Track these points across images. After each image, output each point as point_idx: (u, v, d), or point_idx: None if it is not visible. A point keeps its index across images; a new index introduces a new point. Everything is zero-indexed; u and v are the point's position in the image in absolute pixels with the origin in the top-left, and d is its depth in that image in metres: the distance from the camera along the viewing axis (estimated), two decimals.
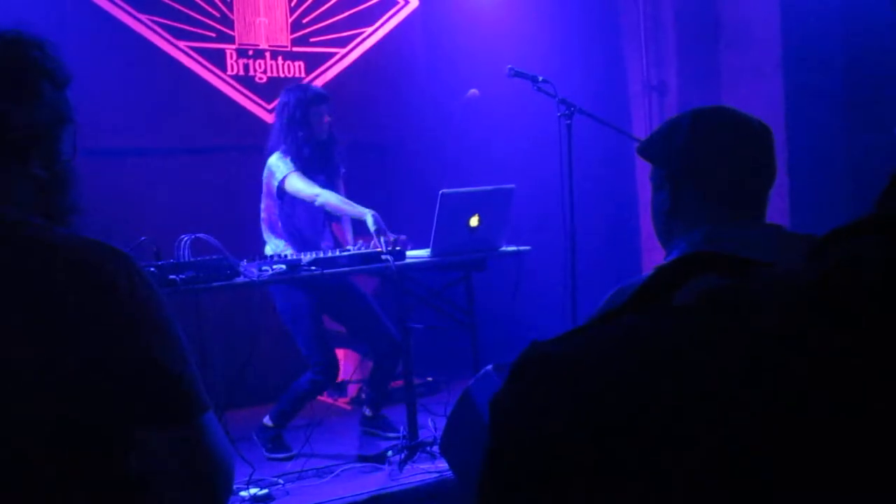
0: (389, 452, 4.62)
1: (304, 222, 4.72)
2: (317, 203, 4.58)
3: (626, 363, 0.45)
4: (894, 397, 0.40)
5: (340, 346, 5.89)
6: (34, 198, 1.38)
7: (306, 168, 4.65)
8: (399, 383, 5.42)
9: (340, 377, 5.90)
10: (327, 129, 4.73)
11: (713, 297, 0.46)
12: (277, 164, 4.66)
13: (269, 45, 6.20)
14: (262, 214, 4.81)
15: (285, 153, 4.65)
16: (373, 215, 4.50)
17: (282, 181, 4.62)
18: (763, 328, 0.43)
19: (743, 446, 0.41)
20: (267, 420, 4.82)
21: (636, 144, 1.98)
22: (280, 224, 4.74)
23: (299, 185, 4.59)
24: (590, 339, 0.49)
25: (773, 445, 0.41)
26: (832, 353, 0.41)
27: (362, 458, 4.62)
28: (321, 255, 4.31)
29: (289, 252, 4.64)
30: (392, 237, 4.48)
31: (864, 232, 0.47)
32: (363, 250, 4.45)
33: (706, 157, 1.79)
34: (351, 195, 6.14)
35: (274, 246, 4.78)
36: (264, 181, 4.73)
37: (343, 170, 4.96)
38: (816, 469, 0.40)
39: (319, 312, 4.74)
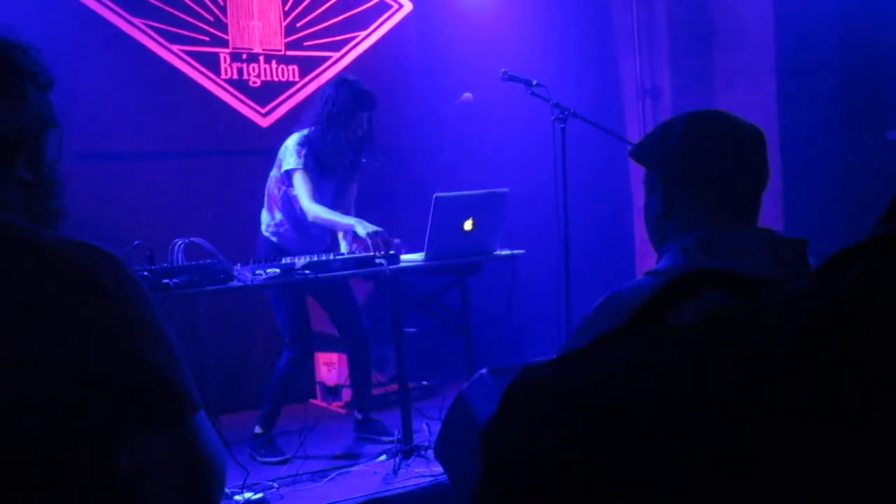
0: (384, 456, 4.62)
1: (301, 210, 4.70)
2: (309, 219, 4.58)
3: (625, 383, 0.45)
4: (893, 405, 0.40)
5: (333, 350, 5.89)
6: (20, 201, 1.37)
7: (323, 165, 4.65)
8: (394, 387, 5.41)
9: (335, 381, 5.91)
10: (363, 133, 4.70)
11: (718, 316, 0.46)
12: (291, 152, 4.65)
13: (263, 49, 6.19)
14: (269, 183, 4.83)
15: (304, 142, 4.64)
16: (360, 223, 4.50)
17: (290, 171, 4.64)
18: (772, 345, 0.43)
19: (742, 458, 0.41)
20: (257, 429, 4.80)
21: (629, 148, 1.97)
22: (280, 201, 4.75)
23: (300, 188, 4.60)
24: (585, 363, 0.48)
25: (772, 455, 0.40)
26: (838, 366, 0.41)
27: (357, 462, 4.62)
28: (314, 258, 4.31)
29: (284, 228, 4.73)
30: (387, 238, 4.48)
31: (874, 251, 0.46)
32: (357, 254, 4.45)
33: (700, 159, 1.79)
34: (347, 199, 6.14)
35: (269, 217, 4.80)
36: (279, 154, 4.77)
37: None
38: (814, 477, 0.40)
39: (302, 292, 4.74)
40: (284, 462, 4.66)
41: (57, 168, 1.46)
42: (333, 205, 4.68)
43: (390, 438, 4.76)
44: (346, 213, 4.79)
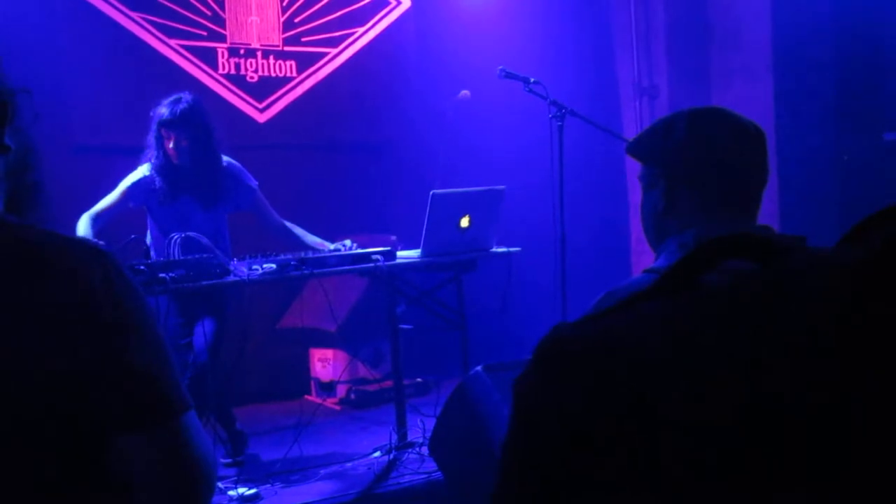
0: (378, 453, 4.63)
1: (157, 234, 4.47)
2: None
3: (656, 345, 0.45)
4: None
5: (328, 347, 5.89)
6: (3, 173, 1.34)
7: (169, 189, 4.38)
8: (388, 383, 5.42)
9: (329, 377, 5.91)
10: (182, 153, 4.33)
11: (748, 280, 0.46)
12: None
13: (261, 45, 6.19)
14: None
15: (150, 168, 4.41)
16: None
17: None
18: (805, 313, 0.43)
19: (763, 430, 0.41)
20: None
21: (627, 144, 1.97)
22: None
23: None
24: (618, 320, 0.48)
25: (810, 431, 0.40)
26: (866, 331, 0.41)
27: (351, 459, 4.62)
28: (311, 254, 4.30)
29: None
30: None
31: None
32: (354, 251, 4.45)
33: (703, 157, 1.78)
34: (341, 195, 6.13)
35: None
36: None
37: (253, 184, 4.62)
38: (833, 454, 0.40)
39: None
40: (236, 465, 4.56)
41: (30, 136, 1.41)
42: (205, 228, 4.32)
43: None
44: (221, 239, 4.47)
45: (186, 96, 4.41)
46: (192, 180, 4.40)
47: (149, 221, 4.50)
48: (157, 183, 4.37)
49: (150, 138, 4.39)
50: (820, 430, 0.40)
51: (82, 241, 1.32)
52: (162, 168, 4.36)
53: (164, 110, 4.33)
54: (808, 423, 0.41)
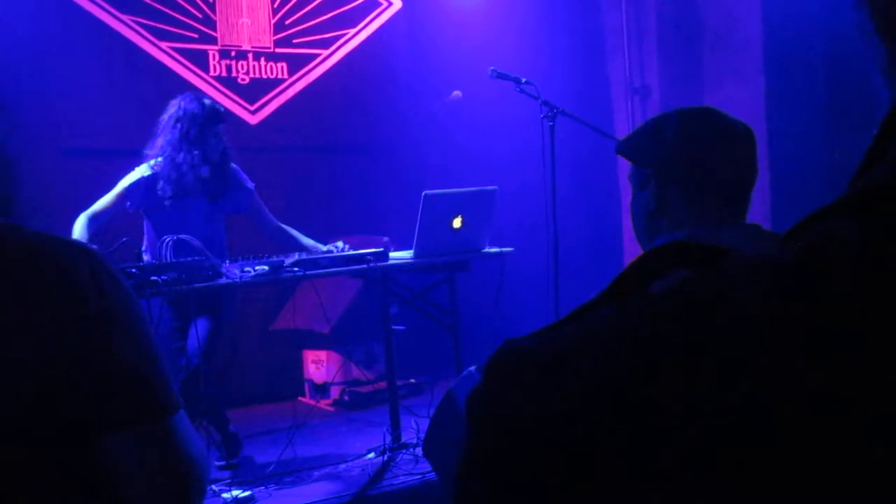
0: (372, 454, 4.62)
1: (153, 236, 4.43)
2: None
3: (601, 353, 0.45)
4: (876, 381, 0.40)
5: (321, 348, 5.89)
6: None
7: (186, 190, 4.36)
8: (382, 384, 5.42)
9: (323, 379, 5.91)
10: (220, 146, 4.44)
11: (687, 285, 0.46)
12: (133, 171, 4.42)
13: (252, 47, 6.18)
14: None
15: (162, 168, 4.36)
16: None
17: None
18: (736, 315, 0.43)
19: (714, 437, 0.41)
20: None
21: (616, 144, 1.97)
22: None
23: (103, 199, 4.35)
24: (564, 332, 0.49)
25: (743, 435, 0.41)
26: (808, 338, 0.41)
27: (345, 460, 4.62)
28: (303, 256, 4.30)
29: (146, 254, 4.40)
30: None
31: (836, 214, 0.47)
32: (347, 252, 4.44)
33: (694, 156, 1.78)
34: (333, 196, 6.13)
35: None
36: None
37: (251, 186, 4.65)
38: (793, 467, 0.40)
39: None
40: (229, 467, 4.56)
41: (8, 148, 1.42)
42: (204, 231, 4.32)
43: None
44: (218, 241, 4.48)
45: (196, 95, 4.50)
46: (210, 178, 4.40)
47: (146, 224, 4.48)
48: (165, 185, 4.32)
49: (174, 138, 4.33)
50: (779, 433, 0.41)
51: (69, 240, 1.32)
52: (194, 166, 4.31)
53: (208, 107, 4.37)
54: (776, 424, 0.41)
